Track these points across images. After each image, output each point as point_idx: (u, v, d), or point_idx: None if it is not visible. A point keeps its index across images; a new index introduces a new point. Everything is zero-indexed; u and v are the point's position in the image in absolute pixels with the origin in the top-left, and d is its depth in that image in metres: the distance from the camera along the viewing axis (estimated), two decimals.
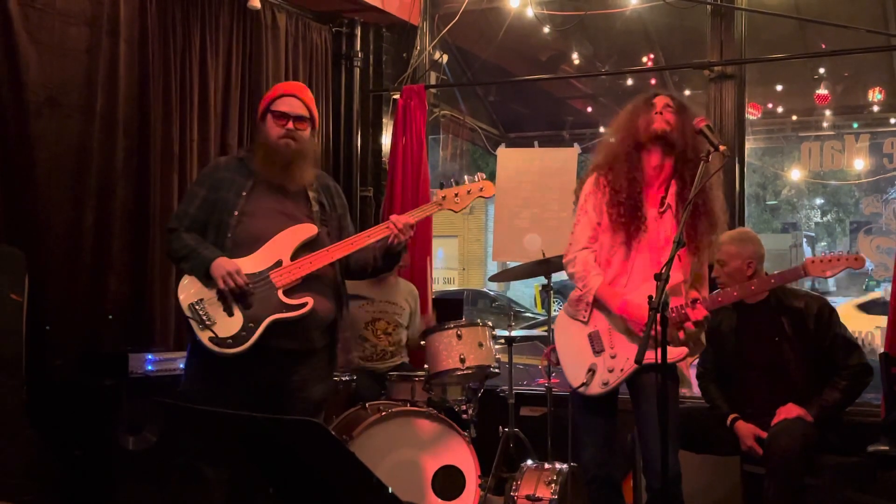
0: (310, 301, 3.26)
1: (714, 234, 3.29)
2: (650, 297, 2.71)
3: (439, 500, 4.10)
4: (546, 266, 4.55)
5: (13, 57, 4.01)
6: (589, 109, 10.20)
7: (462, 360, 4.15)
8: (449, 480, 4.12)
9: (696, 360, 3.91)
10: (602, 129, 8.54)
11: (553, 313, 4.46)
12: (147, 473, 3.79)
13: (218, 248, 3.28)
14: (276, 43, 5.43)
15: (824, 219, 18.53)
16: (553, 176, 5.63)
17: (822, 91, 8.30)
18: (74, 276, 4.24)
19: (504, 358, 4.60)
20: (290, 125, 3.35)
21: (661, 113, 3.25)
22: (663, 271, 2.74)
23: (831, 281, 14.91)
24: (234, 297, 3.21)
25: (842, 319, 3.91)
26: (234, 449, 2.50)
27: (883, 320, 6.33)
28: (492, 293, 16.86)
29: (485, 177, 3.52)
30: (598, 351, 3.27)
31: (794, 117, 9.93)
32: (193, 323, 3.21)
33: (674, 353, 3.11)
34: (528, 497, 3.88)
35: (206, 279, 3.22)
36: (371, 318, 4.90)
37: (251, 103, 5.12)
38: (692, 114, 3.25)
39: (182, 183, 4.69)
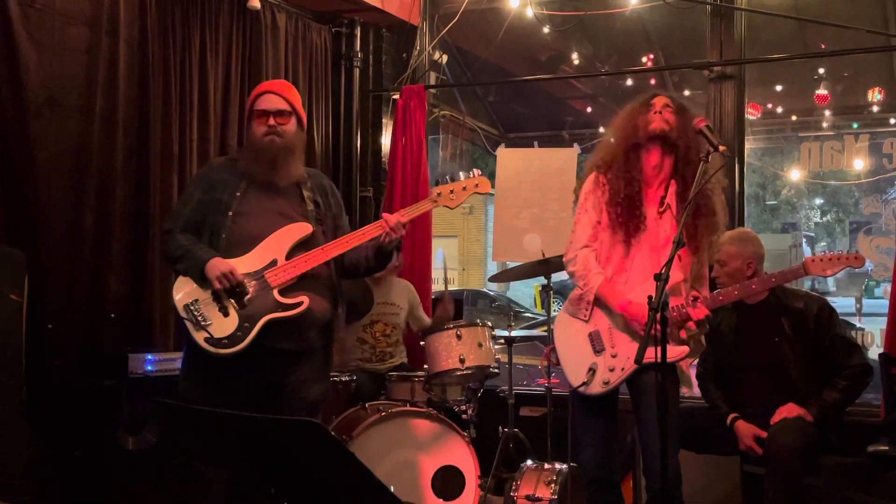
0: (305, 300, 3.25)
1: (714, 234, 3.30)
2: (650, 298, 2.71)
3: (439, 500, 4.11)
4: (546, 266, 4.55)
5: (13, 57, 4.01)
6: (589, 109, 10.18)
7: (462, 361, 4.15)
8: (449, 481, 4.12)
9: (696, 360, 3.91)
10: (602, 130, 8.53)
11: (553, 313, 4.46)
12: (147, 473, 3.78)
13: (213, 248, 3.27)
14: (275, 43, 5.43)
15: (824, 219, 18.51)
16: (553, 176, 5.63)
17: (822, 91, 8.27)
18: (74, 276, 4.24)
19: (504, 358, 4.60)
20: (272, 121, 3.36)
21: (660, 112, 3.25)
22: (663, 271, 2.74)
23: (831, 281, 14.90)
24: (229, 297, 3.20)
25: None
26: (233, 449, 2.50)
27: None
28: (492, 293, 16.83)
29: (480, 173, 3.47)
30: (598, 350, 3.27)
31: (794, 117, 9.90)
32: (189, 324, 3.20)
33: (674, 352, 3.11)
34: (527, 497, 3.88)
35: (201, 280, 3.22)
36: (369, 321, 4.89)
37: None
38: (692, 114, 3.26)
39: (182, 183, 4.69)
